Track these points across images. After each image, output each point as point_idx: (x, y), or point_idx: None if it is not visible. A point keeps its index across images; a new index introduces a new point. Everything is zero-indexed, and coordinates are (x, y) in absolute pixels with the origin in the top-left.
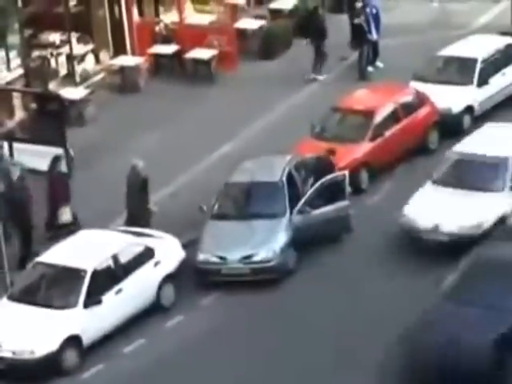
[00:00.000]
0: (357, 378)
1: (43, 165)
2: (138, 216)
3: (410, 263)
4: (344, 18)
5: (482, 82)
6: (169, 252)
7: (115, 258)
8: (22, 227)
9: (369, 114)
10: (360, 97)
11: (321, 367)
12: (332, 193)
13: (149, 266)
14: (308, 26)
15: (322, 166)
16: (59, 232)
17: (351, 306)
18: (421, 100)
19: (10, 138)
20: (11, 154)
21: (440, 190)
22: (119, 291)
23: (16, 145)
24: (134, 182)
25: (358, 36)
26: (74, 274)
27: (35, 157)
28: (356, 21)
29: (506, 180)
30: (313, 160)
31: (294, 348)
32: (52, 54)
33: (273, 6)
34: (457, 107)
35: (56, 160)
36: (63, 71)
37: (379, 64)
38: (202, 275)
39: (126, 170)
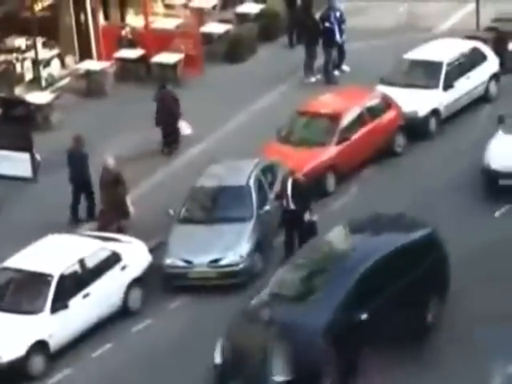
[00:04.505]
0: None
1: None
2: (114, 211)
3: None
4: None
5: (448, 85)
6: (136, 256)
7: (82, 262)
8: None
9: (335, 118)
10: (326, 100)
11: None
12: None
13: (116, 271)
14: (301, 27)
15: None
16: (174, 147)
17: None
18: (386, 103)
19: None
20: None
21: None
22: (86, 295)
23: None
24: (106, 178)
25: (327, 39)
26: (41, 279)
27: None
28: (326, 24)
29: None
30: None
31: None
32: (17, 59)
33: (239, 10)
34: (423, 110)
35: (165, 84)
36: (29, 76)
37: (345, 68)
38: (169, 279)
39: (93, 173)
